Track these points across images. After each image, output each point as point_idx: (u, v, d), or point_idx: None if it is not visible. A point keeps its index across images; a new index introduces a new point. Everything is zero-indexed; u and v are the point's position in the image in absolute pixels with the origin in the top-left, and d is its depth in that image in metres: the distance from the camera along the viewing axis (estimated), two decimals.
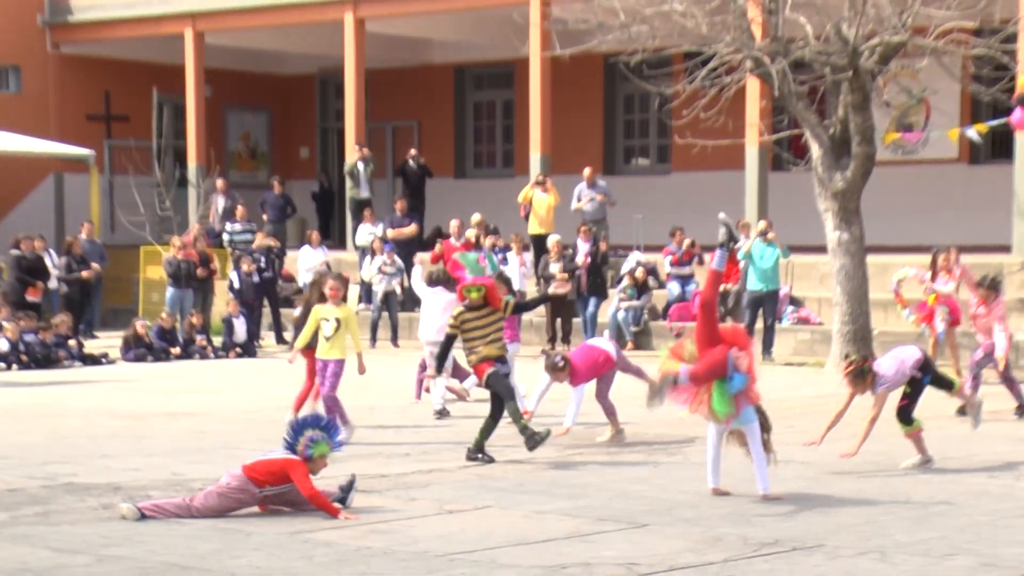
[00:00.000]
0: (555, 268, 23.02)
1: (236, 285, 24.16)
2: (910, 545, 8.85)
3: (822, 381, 18.78)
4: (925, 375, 11.86)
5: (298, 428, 10.07)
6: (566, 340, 22.99)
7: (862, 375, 11.69)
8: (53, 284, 24.71)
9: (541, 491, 10.80)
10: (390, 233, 24.99)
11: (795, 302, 22.68)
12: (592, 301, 23.01)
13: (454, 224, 23.27)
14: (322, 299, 13.22)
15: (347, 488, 10.01)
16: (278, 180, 28.59)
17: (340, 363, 13.06)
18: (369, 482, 11.26)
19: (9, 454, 12.77)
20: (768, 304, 21.15)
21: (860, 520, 9.65)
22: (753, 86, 22.37)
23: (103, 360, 21.79)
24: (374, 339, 23.66)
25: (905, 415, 11.87)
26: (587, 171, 25.18)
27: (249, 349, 23.16)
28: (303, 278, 25.00)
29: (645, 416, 15.01)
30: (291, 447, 10.00)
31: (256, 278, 24.30)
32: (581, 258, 22.98)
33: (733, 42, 19.55)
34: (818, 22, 19.32)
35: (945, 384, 12.23)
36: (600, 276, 23.26)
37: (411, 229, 24.68)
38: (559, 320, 23.08)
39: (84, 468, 11.93)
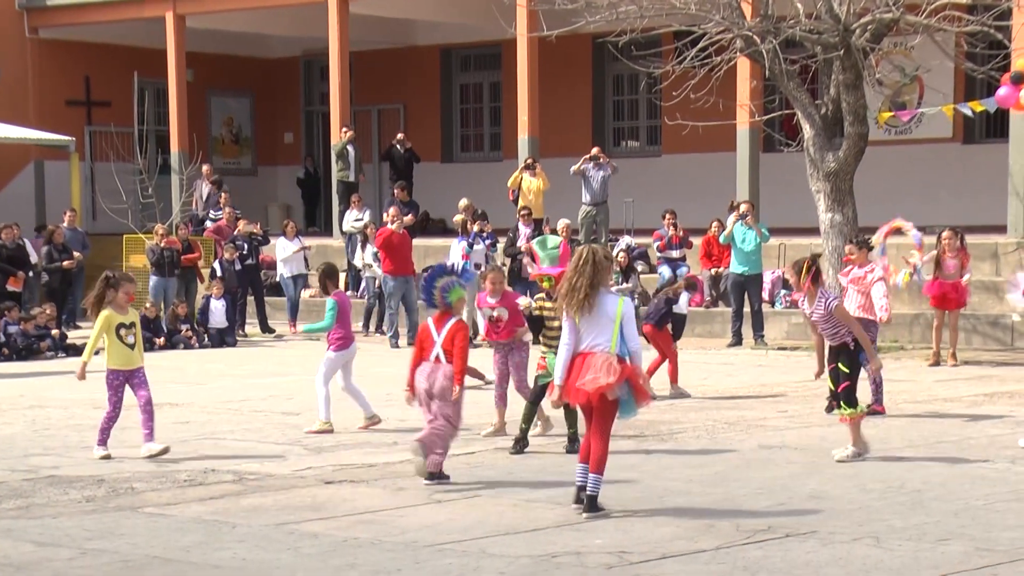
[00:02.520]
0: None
1: (219, 273, 24.13)
2: (905, 530, 8.88)
3: (815, 365, 18.78)
4: (860, 351, 11.52)
5: (429, 282, 10.96)
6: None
7: (804, 269, 11.33)
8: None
9: (530, 480, 10.83)
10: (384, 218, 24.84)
11: (787, 285, 22.68)
12: (536, 286, 22.59)
13: (393, 210, 23.17)
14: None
15: None
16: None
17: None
18: (356, 472, 11.28)
19: None
20: (752, 287, 21.14)
21: (854, 506, 9.68)
22: (743, 66, 22.37)
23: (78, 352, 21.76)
24: (367, 327, 23.61)
25: (849, 398, 11.51)
26: (595, 150, 25.12)
27: (228, 337, 23.09)
28: (280, 270, 24.93)
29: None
30: (430, 302, 10.95)
31: (238, 265, 24.28)
32: (523, 242, 22.87)
33: (723, 21, 19.55)
34: (809, 0, 19.32)
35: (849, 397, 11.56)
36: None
37: (409, 219, 24.57)
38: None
39: (66, 460, 11.93)
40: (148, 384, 12.05)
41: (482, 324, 13.78)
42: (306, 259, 25.22)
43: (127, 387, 12.03)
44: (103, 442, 12.05)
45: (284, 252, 24.99)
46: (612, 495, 10.09)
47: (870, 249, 14.98)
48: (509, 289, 13.91)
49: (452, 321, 10.80)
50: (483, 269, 16.19)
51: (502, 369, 12.92)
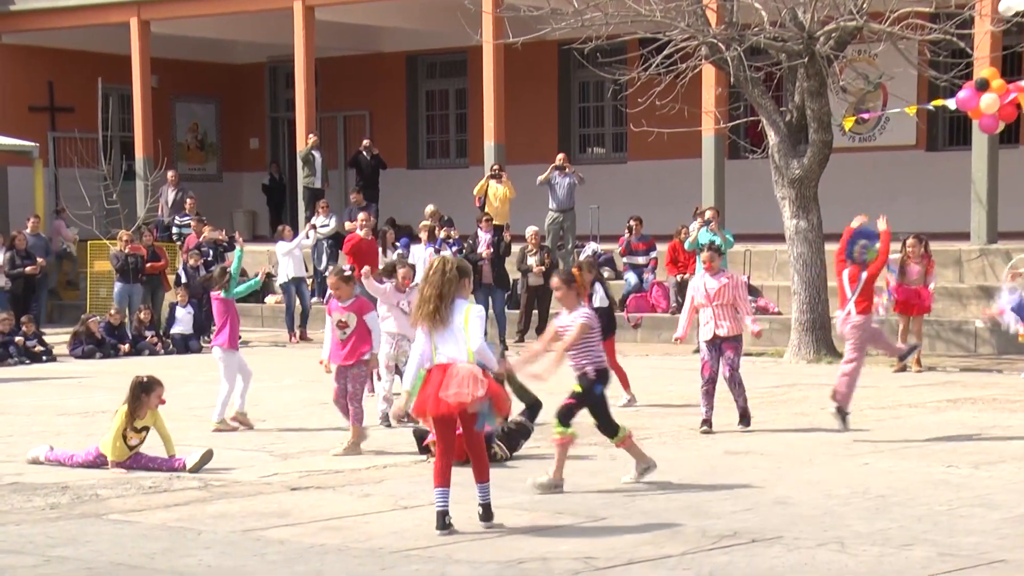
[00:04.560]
0: (532, 260, 22.91)
1: (183, 279, 24.05)
2: (869, 535, 8.92)
3: (781, 371, 18.88)
4: (598, 383, 10.57)
5: (852, 240, 13.03)
6: (540, 331, 22.93)
7: (570, 281, 10.61)
8: (1, 281, 24.51)
9: (497, 485, 10.77)
10: (348, 226, 24.83)
11: (753, 291, 22.76)
12: (498, 293, 22.64)
13: (361, 216, 23.14)
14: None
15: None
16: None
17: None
18: (322, 478, 11.26)
19: None
20: None
21: (818, 511, 9.72)
22: (709, 73, 22.44)
23: (43, 358, 21.65)
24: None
25: (566, 416, 10.53)
26: (560, 157, 25.16)
27: (192, 344, 23.00)
28: (280, 274, 24.40)
29: None
30: (850, 256, 13.12)
31: (203, 271, 24.18)
32: (483, 248, 22.89)
33: (688, 28, 19.62)
34: (773, 7, 19.41)
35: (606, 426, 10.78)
36: (503, 268, 23.07)
37: (366, 216, 24.52)
38: (535, 311, 22.88)
39: (30, 468, 11.87)
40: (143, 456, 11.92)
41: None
42: (305, 261, 24.86)
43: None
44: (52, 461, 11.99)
45: (285, 248, 24.33)
46: (579, 500, 10.11)
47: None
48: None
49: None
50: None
51: (342, 385, 12.69)
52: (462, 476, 9.43)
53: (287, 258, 24.31)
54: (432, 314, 9.10)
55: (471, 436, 9.23)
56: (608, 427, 10.73)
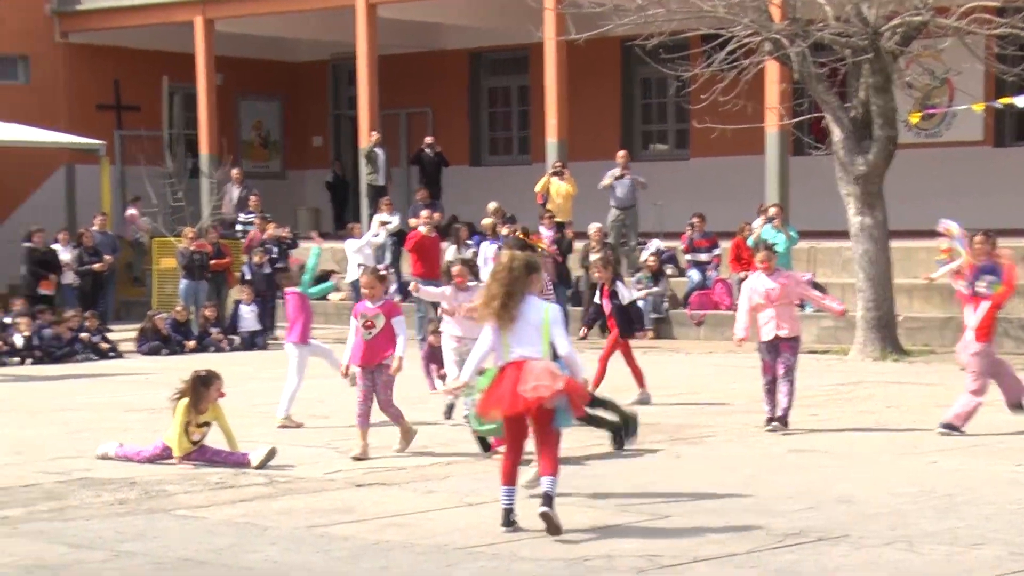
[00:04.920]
0: (595, 257, 22.85)
1: (247, 276, 24.20)
2: (936, 534, 8.84)
3: (846, 369, 18.77)
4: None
5: (976, 277, 12.99)
6: (604, 329, 22.87)
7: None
8: (69, 279, 24.77)
9: (561, 483, 10.79)
10: (412, 223, 24.86)
11: (818, 288, 22.60)
12: (560, 291, 22.51)
13: (424, 213, 23.15)
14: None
15: None
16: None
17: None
18: (386, 474, 11.30)
19: (24, 449, 12.84)
20: None
21: (885, 510, 9.64)
22: (772, 69, 22.33)
23: (110, 354, 21.88)
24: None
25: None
26: (621, 154, 25.12)
27: (257, 341, 23.14)
28: (350, 270, 24.38)
29: (665, 407, 15.06)
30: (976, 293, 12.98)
31: (268, 269, 24.33)
32: (545, 246, 22.81)
33: (751, 24, 19.53)
34: (838, 3, 19.29)
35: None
36: (565, 265, 23.03)
37: (437, 216, 24.59)
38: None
39: (99, 463, 11.98)
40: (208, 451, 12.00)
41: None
42: (382, 255, 24.82)
43: None
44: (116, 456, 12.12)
45: (355, 245, 24.31)
46: (643, 498, 10.09)
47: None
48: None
49: None
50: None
51: (368, 388, 12.36)
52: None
53: (357, 255, 24.35)
54: (498, 311, 8.92)
55: (546, 433, 8.96)
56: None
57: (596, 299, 15.94)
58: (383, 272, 12.94)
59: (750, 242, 21.84)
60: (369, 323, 12.28)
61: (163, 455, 11.93)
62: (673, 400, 15.65)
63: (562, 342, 9.01)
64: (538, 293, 9.27)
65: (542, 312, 9.00)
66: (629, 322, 15.54)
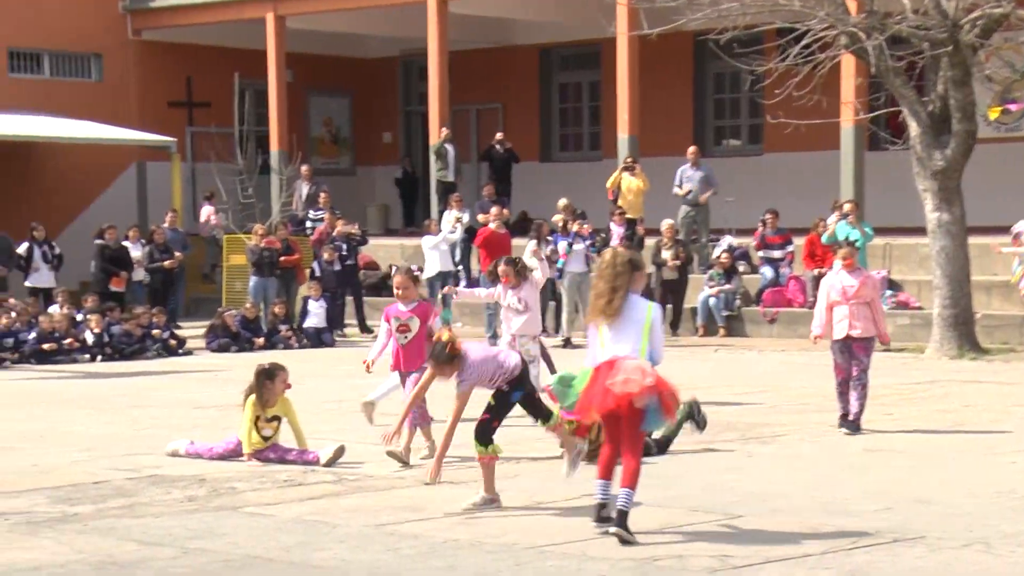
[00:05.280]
0: (667, 254, 22.85)
1: (317, 273, 24.32)
2: (1016, 536, 8.73)
3: (923, 367, 18.60)
4: (516, 390, 9.91)
5: None
6: (675, 326, 22.89)
7: (448, 358, 9.81)
8: (140, 275, 25.01)
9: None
10: (481, 219, 24.88)
11: (894, 285, 22.46)
12: None
13: (494, 210, 23.10)
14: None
15: None
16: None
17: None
18: (455, 473, 11.29)
19: (94, 446, 12.97)
20: None
21: (962, 511, 9.53)
22: (848, 63, 22.15)
23: (179, 351, 22.05)
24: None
25: (483, 434, 9.86)
26: (691, 150, 25.03)
27: (325, 338, 23.23)
28: (431, 266, 24.17)
29: (738, 406, 14.98)
30: None
31: (337, 266, 24.43)
32: (616, 242, 22.80)
33: (827, 18, 19.38)
34: None
35: (540, 413, 10.09)
36: None
37: (505, 213, 24.57)
38: (670, 306, 22.80)
39: (168, 460, 12.07)
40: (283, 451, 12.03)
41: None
42: (453, 252, 24.85)
43: None
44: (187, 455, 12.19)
45: (431, 242, 24.29)
46: (714, 498, 10.03)
47: None
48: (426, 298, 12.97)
49: None
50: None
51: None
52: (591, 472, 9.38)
53: (433, 252, 24.35)
54: (606, 308, 8.92)
55: (632, 435, 8.88)
56: (540, 414, 10.08)
57: None
58: (416, 272, 12.50)
59: (824, 239, 21.68)
60: (403, 327, 11.96)
61: (235, 451, 12.00)
62: (745, 399, 15.56)
63: (659, 346, 9.03)
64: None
65: (645, 311, 9.01)
66: None
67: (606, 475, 9.00)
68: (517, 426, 12.80)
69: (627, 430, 8.89)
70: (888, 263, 22.98)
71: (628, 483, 8.74)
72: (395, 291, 12.20)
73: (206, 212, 28.64)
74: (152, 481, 11.08)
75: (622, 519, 8.69)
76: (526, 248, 23.62)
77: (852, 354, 13.10)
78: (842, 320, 13.11)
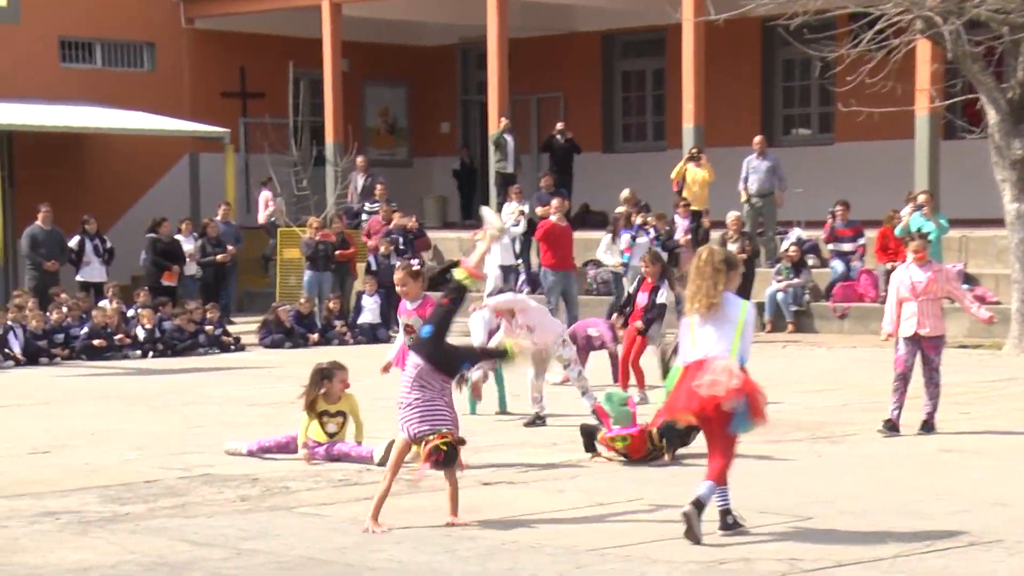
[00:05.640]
0: (732, 247, 22.75)
1: (373, 267, 24.37)
2: None
3: (1000, 364, 18.43)
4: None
5: None
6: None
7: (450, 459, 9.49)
8: (192, 270, 25.17)
9: (695, 483, 10.72)
10: (539, 211, 24.85)
11: (970, 279, 22.26)
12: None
13: (555, 202, 23.05)
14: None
15: None
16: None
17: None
18: (514, 473, 11.31)
19: (145, 443, 13.06)
20: None
21: None
22: (924, 48, 21.97)
23: (232, 347, 22.18)
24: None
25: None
26: (757, 139, 24.92)
27: (380, 333, 23.25)
28: (492, 259, 24.09)
29: (807, 404, 14.91)
30: None
31: (394, 259, 24.47)
32: (680, 235, 22.69)
33: (902, 2, 19.24)
34: None
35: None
36: None
37: (566, 204, 24.53)
38: None
39: (220, 458, 12.15)
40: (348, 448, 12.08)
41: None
42: (513, 245, 24.79)
43: None
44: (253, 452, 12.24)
45: (509, 221, 24.25)
46: (782, 499, 9.99)
47: None
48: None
49: None
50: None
51: None
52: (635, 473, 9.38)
53: (495, 246, 24.22)
54: (701, 306, 8.97)
55: (722, 437, 8.97)
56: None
57: (631, 289, 16.32)
58: (416, 267, 11.86)
59: (898, 231, 21.51)
60: (409, 328, 11.48)
61: (294, 440, 12.05)
62: (814, 397, 15.48)
63: (747, 347, 9.06)
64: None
65: (740, 309, 9.04)
66: (650, 322, 15.68)
67: (722, 480, 9.03)
68: (574, 426, 12.82)
69: (716, 431, 8.99)
70: (964, 256, 22.79)
71: (712, 476, 8.91)
72: (397, 288, 11.70)
73: (264, 198, 28.66)
74: (204, 480, 11.15)
75: (698, 506, 8.78)
76: (600, 243, 23.64)
77: (922, 353, 12.97)
78: (910, 317, 12.97)
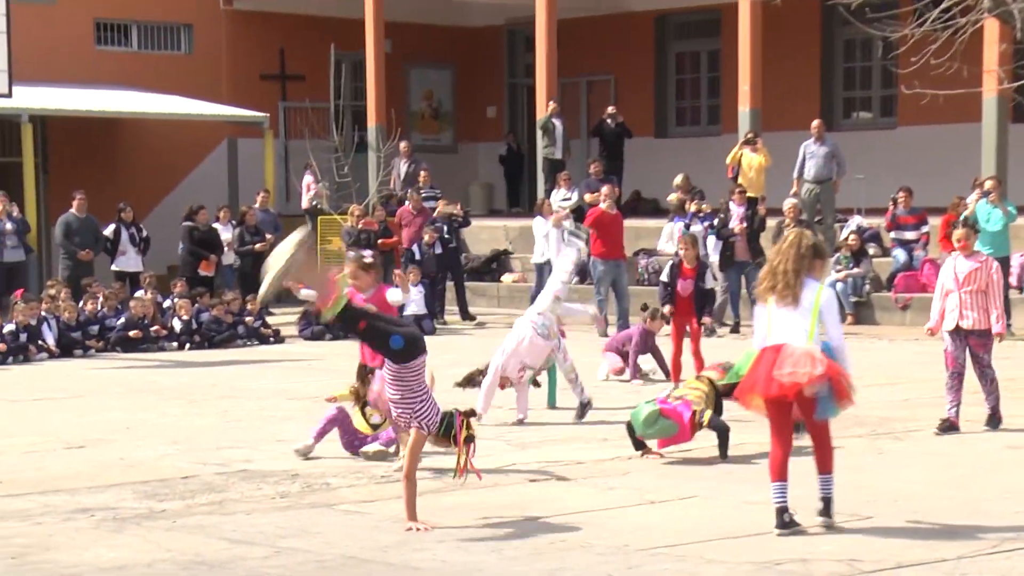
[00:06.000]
0: (677, 230, 22.70)
1: (416, 257, 24.40)
2: None
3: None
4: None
5: None
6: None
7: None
8: (230, 259, 25.25)
9: (751, 479, 10.71)
10: (588, 199, 24.84)
11: None
12: (752, 271, 22.28)
13: (605, 189, 22.94)
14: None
15: None
16: None
17: None
18: (563, 469, 11.32)
19: (182, 438, 13.14)
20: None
21: None
22: (991, 28, 21.80)
23: (271, 339, 22.25)
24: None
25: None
26: (815, 123, 24.80)
27: (425, 325, 23.22)
28: (539, 249, 24.09)
29: (868, 399, 14.83)
30: None
31: (438, 249, 24.51)
32: (736, 223, 22.60)
33: None
34: None
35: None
36: (758, 243, 22.81)
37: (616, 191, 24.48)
38: None
39: (259, 453, 12.21)
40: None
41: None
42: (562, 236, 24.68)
43: None
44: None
45: (544, 227, 24.10)
46: (842, 497, 9.95)
47: None
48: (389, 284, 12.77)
49: None
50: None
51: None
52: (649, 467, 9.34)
53: (543, 238, 24.08)
54: (783, 289, 9.02)
55: (812, 426, 9.13)
56: None
57: (665, 275, 16.14)
58: (368, 260, 11.97)
59: (962, 219, 21.37)
60: None
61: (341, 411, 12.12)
62: (875, 391, 15.41)
63: (833, 329, 9.10)
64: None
65: (814, 295, 9.06)
66: (702, 307, 15.66)
67: (781, 476, 9.09)
68: (618, 422, 12.81)
69: (807, 421, 9.11)
70: None
71: (826, 469, 9.11)
72: (349, 281, 11.44)
73: (306, 182, 28.64)
74: (242, 476, 11.20)
75: (827, 507, 9.04)
76: (662, 232, 23.63)
77: (970, 350, 12.85)
78: (953, 310, 12.86)
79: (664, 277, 16.28)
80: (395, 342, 9.37)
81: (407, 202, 25.65)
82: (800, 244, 9.13)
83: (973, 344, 12.89)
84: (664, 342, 16.75)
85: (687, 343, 15.91)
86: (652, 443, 11.80)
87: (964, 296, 12.84)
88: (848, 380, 9.10)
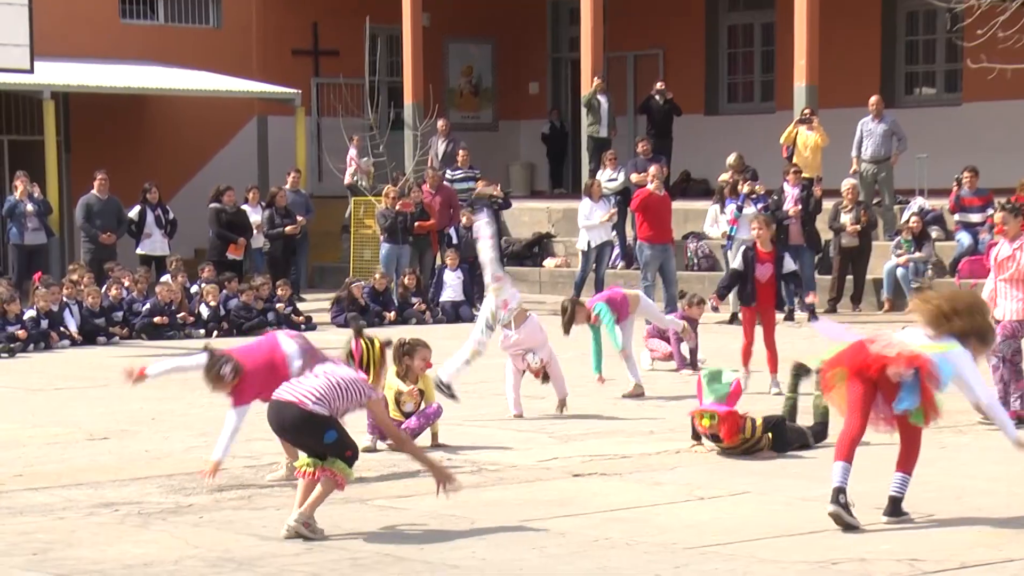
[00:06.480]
0: (846, 218, 22.61)
1: (454, 240, 24.40)
2: None
3: None
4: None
5: None
6: (856, 299, 22.69)
7: None
8: (259, 242, 25.26)
9: (805, 475, 10.71)
10: (635, 179, 24.78)
11: None
12: (806, 255, 22.18)
13: (653, 169, 22.83)
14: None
15: None
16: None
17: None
18: (607, 463, 11.32)
19: (210, 430, 13.15)
20: None
21: None
22: None
23: (302, 326, 22.28)
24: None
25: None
26: (873, 100, 24.68)
27: (463, 311, 23.22)
28: (584, 238, 23.84)
29: None
30: None
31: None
32: (790, 205, 22.52)
33: None
34: None
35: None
36: (813, 226, 22.73)
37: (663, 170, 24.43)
38: (850, 276, 22.56)
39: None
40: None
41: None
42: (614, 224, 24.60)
43: None
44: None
45: (591, 217, 23.81)
46: None
47: None
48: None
49: None
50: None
51: None
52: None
53: (588, 219, 23.87)
54: (936, 317, 9.09)
55: (904, 425, 9.22)
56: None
57: (738, 264, 15.31)
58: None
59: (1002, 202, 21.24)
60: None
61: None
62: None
63: (978, 389, 9.27)
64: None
65: (948, 343, 9.09)
66: (791, 293, 15.41)
67: (847, 456, 9.10)
68: (664, 419, 12.80)
69: (885, 411, 9.12)
70: None
71: (904, 468, 9.18)
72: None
73: (351, 154, 28.58)
74: (272, 469, 11.24)
75: (894, 506, 9.12)
76: (707, 215, 23.51)
77: (1007, 336, 12.65)
78: (992, 298, 12.77)
79: (736, 265, 15.42)
80: (328, 437, 9.21)
81: (425, 182, 25.55)
82: (973, 303, 9.19)
83: (1003, 331, 12.61)
84: (721, 331, 16.68)
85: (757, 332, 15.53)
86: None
87: (1000, 284, 12.72)
88: (938, 377, 9.06)
